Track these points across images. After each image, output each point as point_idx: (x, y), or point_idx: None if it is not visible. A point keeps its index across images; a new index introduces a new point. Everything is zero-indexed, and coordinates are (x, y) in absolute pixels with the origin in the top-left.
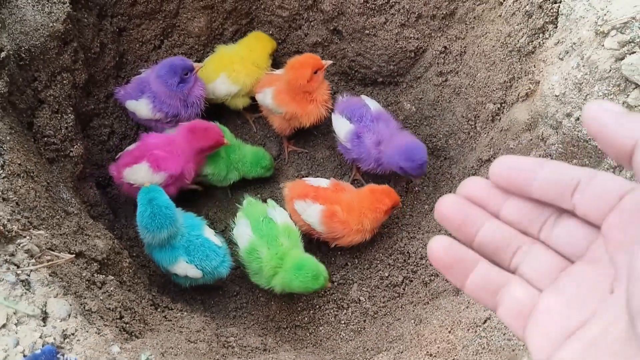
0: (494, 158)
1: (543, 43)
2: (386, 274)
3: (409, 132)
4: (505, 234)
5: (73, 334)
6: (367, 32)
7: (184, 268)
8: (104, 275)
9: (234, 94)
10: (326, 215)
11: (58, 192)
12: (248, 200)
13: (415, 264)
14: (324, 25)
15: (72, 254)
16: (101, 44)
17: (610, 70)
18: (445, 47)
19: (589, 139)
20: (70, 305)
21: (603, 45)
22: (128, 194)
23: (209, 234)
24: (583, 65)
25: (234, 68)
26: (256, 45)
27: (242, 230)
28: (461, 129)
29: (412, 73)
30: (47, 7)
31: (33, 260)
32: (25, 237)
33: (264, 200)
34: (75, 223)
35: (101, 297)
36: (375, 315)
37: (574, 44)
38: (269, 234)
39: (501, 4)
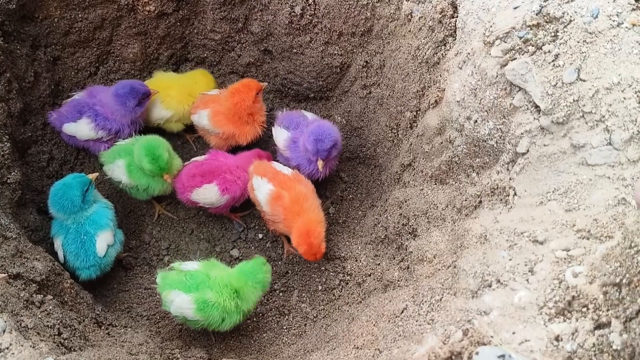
0: (414, 162)
1: (445, 54)
2: (324, 279)
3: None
4: None
5: (7, 348)
6: (294, 50)
7: (57, 246)
8: (42, 295)
9: (167, 119)
10: (273, 196)
11: None
12: (160, 276)
13: (350, 267)
14: (255, 46)
15: (8, 276)
16: (35, 74)
17: (497, 76)
18: (366, 62)
19: (487, 138)
20: (5, 322)
21: (490, 54)
22: (187, 203)
23: (103, 240)
24: (476, 73)
25: (168, 93)
26: (202, 80)
27: (181, 300)
28: (386, 137)
29: (340, 87)
30: None
31: None
32: None
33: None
34: (14, 247)
35: (39, 315)
36: (315, 319)
37: (469, 54)
38: (200, 280)
39: (409, 20)
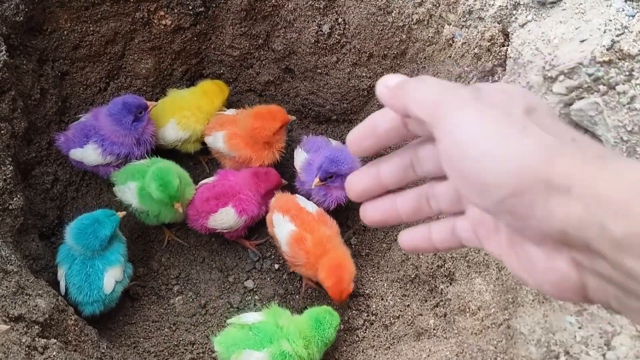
0: None
1: None
2: (346, 317)
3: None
4: (408, 199)
5: None
6: (319, 71)
7: (59, 275)
8: (45, 340)
9: (184, 140)
10: (295, 238)
11: None
12: (220, 340)
13: (375, 306)
14: (275, 64)
15: (10, 319)
16: (42, 90)
17: (559, 115)
18: None
19: None
20: None
21: (552, 90)
22: (202, 231)
23: (111, 277)
24: None
25: (184, 114)
26: (211, 92)
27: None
28: None
29: (366, 111)
30: None
31: None
32: None
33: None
34: (15, 283)
35: None
36: None
37: (523, 88)
38: (271, 332)
39: (450, 45)
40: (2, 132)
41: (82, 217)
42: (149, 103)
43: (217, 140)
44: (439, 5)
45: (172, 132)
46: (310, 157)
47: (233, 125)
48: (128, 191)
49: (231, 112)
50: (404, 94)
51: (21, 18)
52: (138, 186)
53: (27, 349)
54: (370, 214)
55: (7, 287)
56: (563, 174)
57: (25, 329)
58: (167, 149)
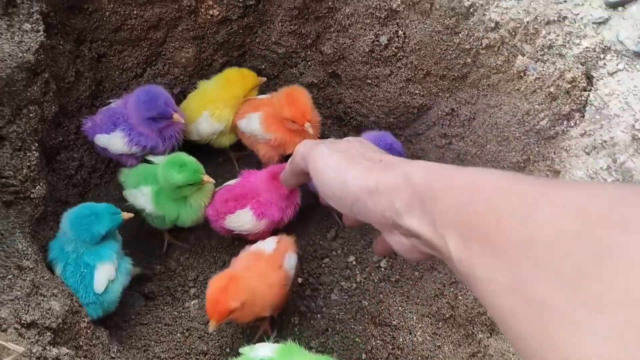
0: None
1: (567, 131)
2: (369, 347)
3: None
4: None
5: None
6: (368, 81)
7: (57, 274)
8: (57, 350)
9: (219, 132)
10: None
11: (13, 242)
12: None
13: (402, 339)
14: (321, 67)
15: (22, 325)
16: (77, 72)
17: None
18: (452, 110)
19: None
20: None
21: None
22: (222, 233)
23: (102, 274)
24: (615, 170)
25: (216, 105)
26: (239, 79)
27: None
28: None
29: (413, 128)
30: (18, 35)
31: None
32: None
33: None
34: (30, 282)
35: None
36: None
37: (605, 142)
38: None
39: (521, 77)
40: (31, 115)
41: (84, 205)
42: (175, 116)
43: (251, 122)
44: (515, 34)
45: (206, 125)
46: None
47: (269, 107)
48: (141, 196)
49: (265, 96)
50: (295, 153)
51: None
52: (153, 190)
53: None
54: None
55: (21, 287)
56: (374, 182)
57: (37, 337)
58: (199, 145)
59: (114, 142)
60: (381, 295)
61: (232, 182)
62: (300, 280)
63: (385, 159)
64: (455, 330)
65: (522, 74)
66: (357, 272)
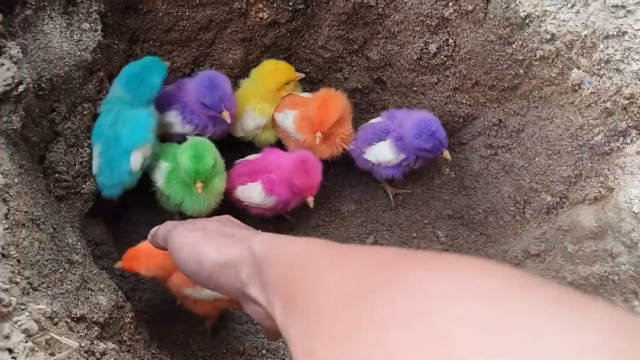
0: (545, 254)
1: (623, 148)
2: None
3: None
4: None
5: None
6: (414, 88)
7: (95, 154)
8: (104, 344)
9: (263, 126)
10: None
11: (64, 236)
12: None
13: None
14: (367, 72)
15: (72, 319)
16: None
17: None
18: (500, 120)
19: None
20: None
21: None
22: (237, 204)
23: (140, 154)
24: None
25: (257, 100)
26: (270, 73)
27: None
28: (506, 209)
29: (457, 138)
30: (77, 34)
31: (30, 344)
32: (23, 310)
33: None
34: (79, 276)
35: None
36: None
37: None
38: None
39: (575, 91)
40: (85, 112)
41: (129, 65)
42: (224, 113)
43: (287, 119)
44: (572, 47)
45: (250, 120)
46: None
47: (305, 108)
48: (158, 170)
49: (306, 95)
50: (154, 236)
51: None
52: (169, 168)
53: (85, 354)
54: None
55: (71, 280)
56: (224, 256)
57: (85, 331)
58: (244, 142)
59: (169, 119)
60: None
61: (251, 156)
62: None
63: (238, 234)
64: None
65: (576, 88)
66: None
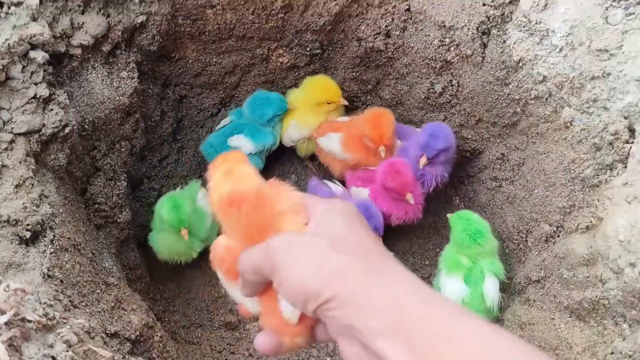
0: (544, 280)
1: (610, 180)
2: None
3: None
4: None
5: None
6: (424, 125)
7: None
8: (134, 358)
9: (307, 137)
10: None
11: (101, 260)
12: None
13: None
14: None
15: (107, 335)
16: (161, 112)
17: None
18: (503, 154)
19: None
20: None
21: None
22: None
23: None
24: None
25: (300, 113)
26: (316, 88)
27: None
28: (510, 238)
29: (465, 170)
30: (116, 81)
31: (70, 353)
32: (65, 324)
33: None
34: (114, 297)
35: None
36: None
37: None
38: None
39: (567, 128)
40: (122, 149)
41: (261, 91)
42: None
43: (332, 141)
44: (562, 88)
45: (295, 132)
46: (402, 144)
47: (348, 129)
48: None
49: (344, 119)
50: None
51: (155, 47)
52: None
53: None
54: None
55: (107, 300)
56: (349, 287)
57: (118, 346)
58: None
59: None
60: None
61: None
62: None
63: (368, 254)
64: None
65: (568, 124)
66: None
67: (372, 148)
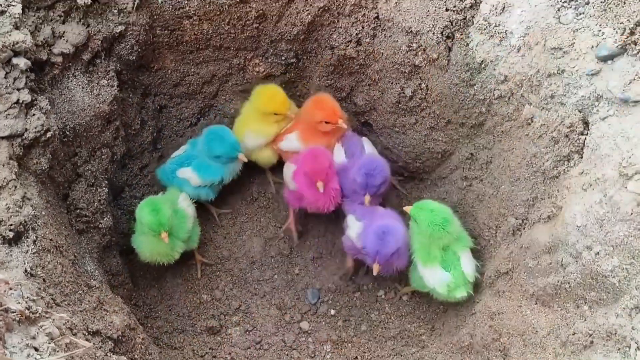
0: (512, 272)
1: (568, 170)
2: None
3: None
4: None
5: None
6: (396, 129)
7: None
8: (117, 357)
9: (262, 146)
10: None
11: (83, 264)
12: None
13: None
14: (355, 117)
15: (89, 332)
16: (142, 121)
17: (632, 213)
18: (472, 154)
19: (609, 275)
20: None
21: (626, 187)
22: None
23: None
24: (605, 203)
25: (253, 122)
26: (260, 98)
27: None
28: (482, 235)
29: (438, 172)
30: (96, 89)
31: (52, 345)
32: (47, 318)
33: None
34: (96, 298)
35: None
36: None
37: (598, 179)
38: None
39: (529, 124)
40: (103, 156)
41: (224, 130)
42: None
43: (291, 142)
44: (522, 86)
45: (250, 140)
46: (347, 162)
47: (300, 125)
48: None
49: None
50: None
51: (134, 57)
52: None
53: None
54: None
55: (89, 301)
56: None
57: (100, 344)
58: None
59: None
60: (407, 325)
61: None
62: (333, 312)
63: None
64: (473, 357)
65: (529, 121)
66: (386, 305)
67: (328, 131)
